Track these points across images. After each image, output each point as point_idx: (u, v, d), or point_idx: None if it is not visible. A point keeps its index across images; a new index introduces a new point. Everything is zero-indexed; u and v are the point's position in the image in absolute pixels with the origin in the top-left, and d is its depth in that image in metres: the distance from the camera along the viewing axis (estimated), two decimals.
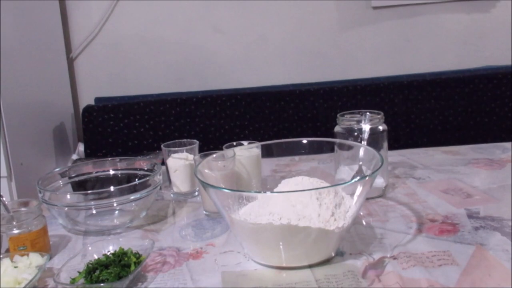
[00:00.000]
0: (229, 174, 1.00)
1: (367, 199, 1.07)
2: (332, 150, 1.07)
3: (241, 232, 0.85)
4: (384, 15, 2.02)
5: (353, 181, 0.84)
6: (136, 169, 1.17)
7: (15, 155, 1.53)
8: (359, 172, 0.97)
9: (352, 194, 0.82)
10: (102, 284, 0.77)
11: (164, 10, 2.01)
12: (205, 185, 0.83)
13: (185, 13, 2.01)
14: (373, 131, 1.08)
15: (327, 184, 0.86)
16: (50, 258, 0.89)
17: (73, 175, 1.16)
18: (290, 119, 1.87)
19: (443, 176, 1.21)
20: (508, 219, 0.95)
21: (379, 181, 1.10)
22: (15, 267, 0.82)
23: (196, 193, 1.18)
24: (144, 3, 2.00)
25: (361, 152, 0.98)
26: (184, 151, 1.17)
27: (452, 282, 0.75)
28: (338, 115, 1.12)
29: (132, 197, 1.00)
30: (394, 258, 0.83)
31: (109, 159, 1.20)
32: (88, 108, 1.88)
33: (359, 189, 0.81)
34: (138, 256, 0.83)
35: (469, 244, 0.86)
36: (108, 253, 0.84)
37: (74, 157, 1.90)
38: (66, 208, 1.01)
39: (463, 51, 2.05)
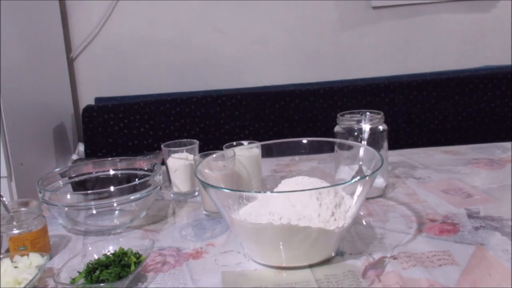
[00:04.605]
0: (229, 174, 1.00)
1: (367, 199, 1.07)
2: (332, 150, 1.07)
3: (241, 232, 0.85)
4: (384, 15, 2.02)
5: (353, 181, 0.84)
6: (136, 169, 1.17)
7: (15, 155, 1.53)
8: (359, 172, 0.97)
9: (352, 194, 0.82)
10: (102, 284, 0.77)
11: (164, 10, 2.01)
12: (205, 185, 0.83)
13: (185, 13, 2.01)
14: (373, 131, 1.08)
15: (327, 184, 0.86)
16: (50, 258, 0.89)
17: (73, 175, 1.15)
18: (290, 119, 1.87)
19: (443, 176, 1.21)
20: (508, 219, 0.95)
21: (379, 181, 1.10)
22: (15, 267, 0.82)
23: (196, 193, 1.18)
24: (144, 3, 2.00)
25: (361, 152, 0.98)
26: (184, 151, 1.17)
27: (452, 282, 0.75)
28: (338, 115, 1.12)
29: (132, 197, 1.00)
30: (394, 258, 0.83)
31: (109, 159, 1.20)
32: (88, 108, 1.88)
33: (359, 189, 0.81)
34: (138, 256, 0.83)
35: (469, 244, 0.86)
36: (108, 253, 0.84)
37: (74, 157, 1.90)
38: (66, 208, 1.01)
39: (463, 51, 2.05)
